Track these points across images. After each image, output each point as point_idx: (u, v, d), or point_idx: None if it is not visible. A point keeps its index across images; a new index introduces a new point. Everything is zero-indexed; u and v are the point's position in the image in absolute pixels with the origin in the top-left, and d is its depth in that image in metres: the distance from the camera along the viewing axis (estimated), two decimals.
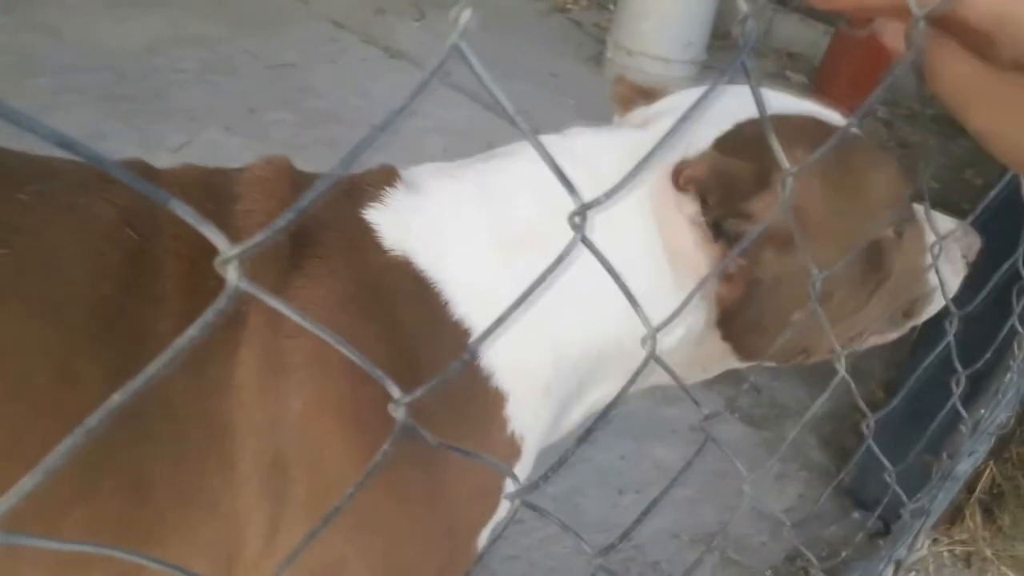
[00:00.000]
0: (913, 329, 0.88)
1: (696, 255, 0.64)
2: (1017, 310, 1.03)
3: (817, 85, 3.47)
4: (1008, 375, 1.26)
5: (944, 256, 0.74)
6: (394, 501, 0.58)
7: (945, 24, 0.41)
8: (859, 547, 1.34)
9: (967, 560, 1.56)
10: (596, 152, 0.68)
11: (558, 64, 3.43)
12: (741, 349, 0.72)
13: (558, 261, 0.37)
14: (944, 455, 1.20)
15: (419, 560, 0.60)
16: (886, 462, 0.87)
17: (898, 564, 1.36)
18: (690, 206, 0.63)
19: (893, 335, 0.83)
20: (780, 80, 3.71)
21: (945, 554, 1.54)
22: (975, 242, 0.80)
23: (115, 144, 2.05)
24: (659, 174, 0.65)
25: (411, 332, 0.59)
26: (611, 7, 3.81)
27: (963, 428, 1.07)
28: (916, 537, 1.34)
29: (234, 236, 0.53)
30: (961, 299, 0.82)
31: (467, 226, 0.63)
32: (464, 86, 2.87)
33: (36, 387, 0.48)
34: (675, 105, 0.74)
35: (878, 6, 0.48)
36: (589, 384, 0.69)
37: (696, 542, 1.47)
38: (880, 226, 0.69)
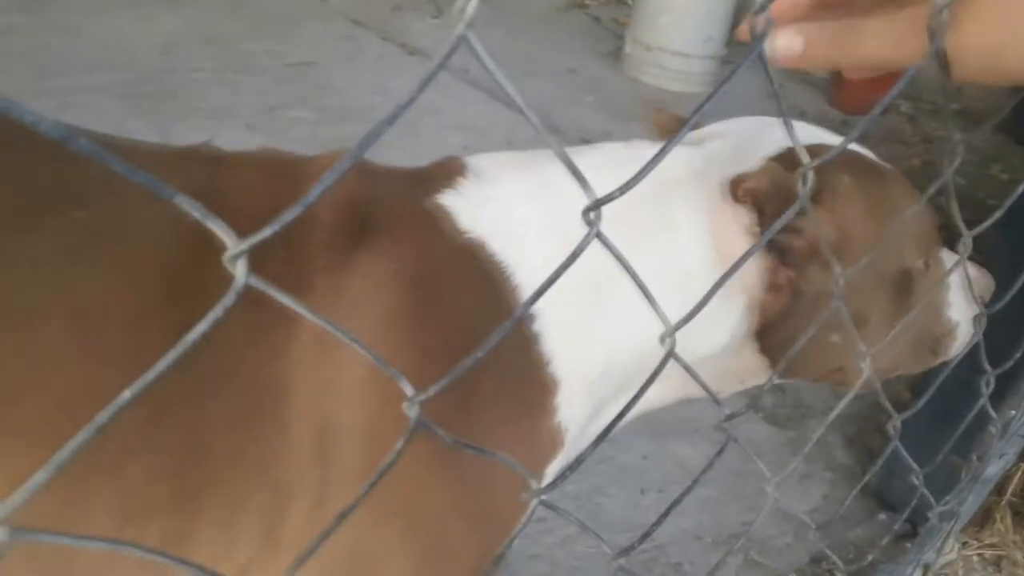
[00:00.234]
0: None
1: (748, 264, 0.64)
2: None
3: (836, 79, 3.42)
4: None
5: (962, 296, 0.78)
6: (443, 484, 0.58)
7: None
8: (886, 550, 1.31)
9: (997, 564, 1.52)
10: (667, 163, 0.69)
11: (576, 60, 3.41)
12: (777, 365, 0.73)
13: (573, 257, 0.36)
14: (973, 457, 1.18)
15: (461, 544, 0.61)
16: (913, 464, 0.85)
17: (926, 568, 1.33)
18: (747, 217, 0.65)
19: (918, 370, 0.86)
20: (798, 75, 3.67)
21: (975, 558, 1.51)
22: (990, 285, 0.82)
23: None
24: (717, 186, 0.67)
25: (478, 313, 0.60)
26: (630, 2, 3.78)
27: (992, 429, 1.05)
28: (945, 540, 1.32)
29: (312, 218, 0.57)
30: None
31: (537, 216, 0.64)
32: (483, 83, 2.87)
33: (106, 343, 0.50)
34: (729, 128, 0.76)
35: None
36: (627, 389, 0.70)
37: (719, 543, 1.45)
38: (912, 258, 0.73)
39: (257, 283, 0.27)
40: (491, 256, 0.62)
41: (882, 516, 1.59)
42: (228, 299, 0.26)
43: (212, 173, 0.58)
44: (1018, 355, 1.02)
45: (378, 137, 0.26)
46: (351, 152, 0.26)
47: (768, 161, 0.68)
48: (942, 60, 0.43)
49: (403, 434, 0.57)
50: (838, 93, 3.46)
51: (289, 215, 0.26)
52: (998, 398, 0.98)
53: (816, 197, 0.63)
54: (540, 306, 0.62)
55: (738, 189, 0.65)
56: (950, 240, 0.78)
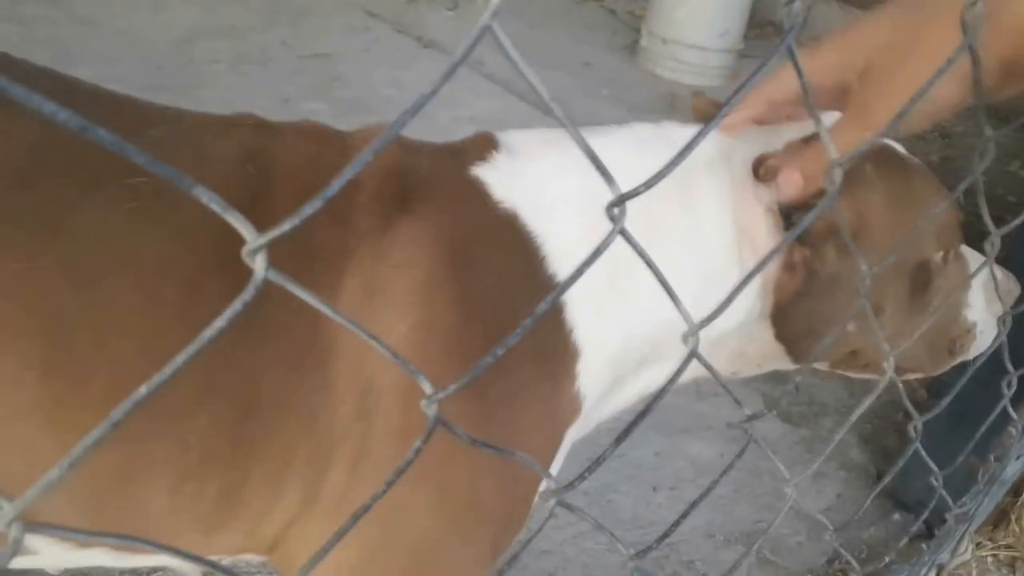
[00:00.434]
0: None
1: (767, 241, 0.68)
2: None
3: None
4: None
5: (985, 299, 0.79)
6: (479, 436, 0.60)
7: None
8: (900, 550, 1.30)
9: (1011, 565, 1.51)
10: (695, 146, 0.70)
11: (592, 53, 3.39)
12: (794, 351, 0.75)
13: (596, 253, 0.36)
14: (991, 458, 1.16)
15: (488, 505, 0.63)
16: (933, 465, 0.83)
17: (940, 568, 1.32)
18: (767, 195, 0.67)
19: (935, 371, 0.85)
20: None
21: (989, 559, 1.50)
22: (1015, 289, 0.82)
23: None
24: (740, 164, 0.69)
25: (509, 280, 0.63)
26: None
27: (1013, 431, 1.03)
28: (960, 541, 1.30)
29: (355, 184, 0.59)
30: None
31: (569, 191, 0.67)
32: (498, 76, 2.85)
33: (166, 300, 0.53)
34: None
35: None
36: (646, 364, 0.72)
37: (731, 541, 1.44)
38: (931, 251, 0.73)
39: (276, 277, 0.26)
40: (522, 227, 0.64)
41: (896, 516, 1.57)
42: (247, 294, 0.26)
43: (260, 140, 0.60)
44: None
45: (402, 128, 0.25)
46: (375, 143, 0.25)
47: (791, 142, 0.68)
48: (975, 56, 0.42)
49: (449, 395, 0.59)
50: None
51: (309, 208, 0.26)
52: (1017, 399, 0.97)
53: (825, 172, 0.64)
54: (563, 276, 0.64)
55: (760, 167, 0.67)
56: (973, 237, 0.77)
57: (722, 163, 0.70)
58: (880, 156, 0.70)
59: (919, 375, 0.84)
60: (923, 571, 1.25)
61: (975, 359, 0.84)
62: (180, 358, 0.26)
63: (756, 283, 0.70)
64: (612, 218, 0.34)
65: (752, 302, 0.71)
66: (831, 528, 0.73)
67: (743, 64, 3.36)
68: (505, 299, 0.62)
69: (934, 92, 0.54)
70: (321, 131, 0.66)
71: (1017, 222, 0.65)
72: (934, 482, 0.88)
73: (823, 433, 1.72)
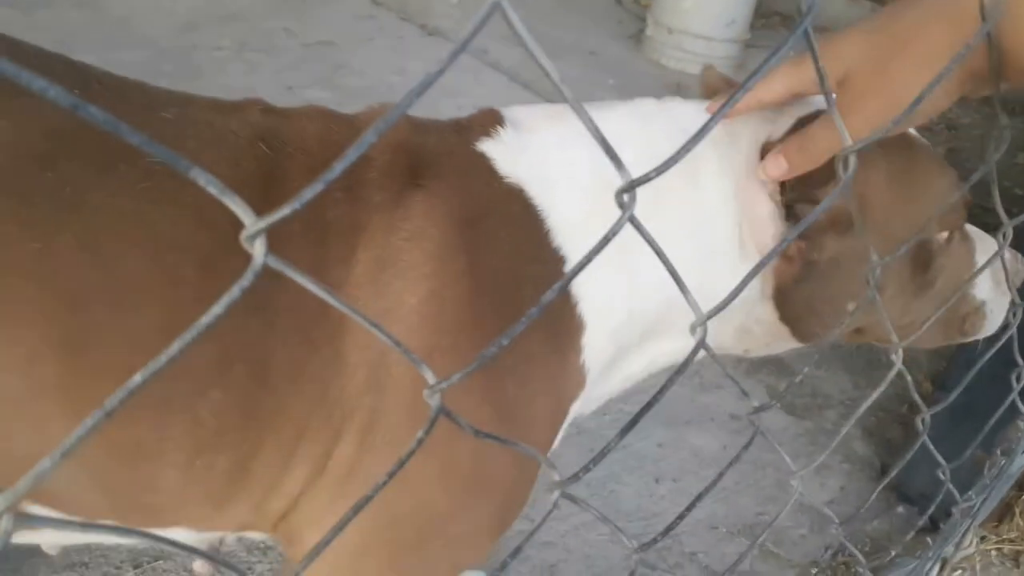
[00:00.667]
0: None
1: (768, 225, 0.68)
2: None
3: None
4: None
5: (993, 280, 0.79)
6: (487, 408, 0.61)
7: None
8: (903, 543, 1.29)
9: (1015, 559, 1.50)
10: (696, 122, 0.70)
11: (597, 42, 3.37)
12: (797, 331, 0.75)
13: (605, 240, 0.35)
14: (997, 452, 1.15)
15: (494, 478, 0.64)
16: (940, 459, 0.83)
17: (944, 562, 1.31)
18: (771, 183, 0.68)
19: (944, 344, 0.86)
20: None
21: (992, 552, 1.49)
22: (1022, 269, 0.82)
23: None
24: (746, 147, 0.69)
25: (517, 252, 0.64)
26: None
27: (1021, 424, 1.02)
28: (964, 535, 1.30)
29: (366, 159, 0.59)
30: (1021, 291, 0.79)
31: (573, 165, 0.67)
32: (502, 64, 2.84)
33: (182, 278, 0.53)
34: None
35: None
36: (649, 339, 0.73)
37: (734, 534, 1.44)
38: (932, 231, 0.73)
39: (276, 263, 0.26)
40: (528, 200, 0.65)
41: (900, 509, 1.57)
42: (245, 280, 0.25)
43: (270, 121, 0.61)
44: None
45: (407, 109, 0.24)
46: (378, 124, 0.24)
47: (797, 120, 0.69)
48: (994, 43, 0.41)
49: (451, 363, 0.59)
50: None
51: (309, 192, 0.25)
52: (1022, 392, 0.96)
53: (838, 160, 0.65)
54: (571, 250, 0.65)
55: (766, 155, 0.67)
56: (988, 227, 0.77)
57: (728, 144, 0.70)
58: (884, 140, 0.69)
59: (928, 346, 0.84)
60: (927, 565, 1.25)
61: (984, 352, 0.83)
62: (176, 345, 0.26)
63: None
64: (621, 204, 0.33)
65: (754, 283, 0.71)
66: (837, 521, 0.72)
67: (749, 54, 3.34)
68: (513, 271, 0.63)
69: (937, 90, 0.55)
70: (328, 113, 0.66)
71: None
72: (941, 476, 0.87)
73: (827, 425, 1.71)
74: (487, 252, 0.62)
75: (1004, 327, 0.79)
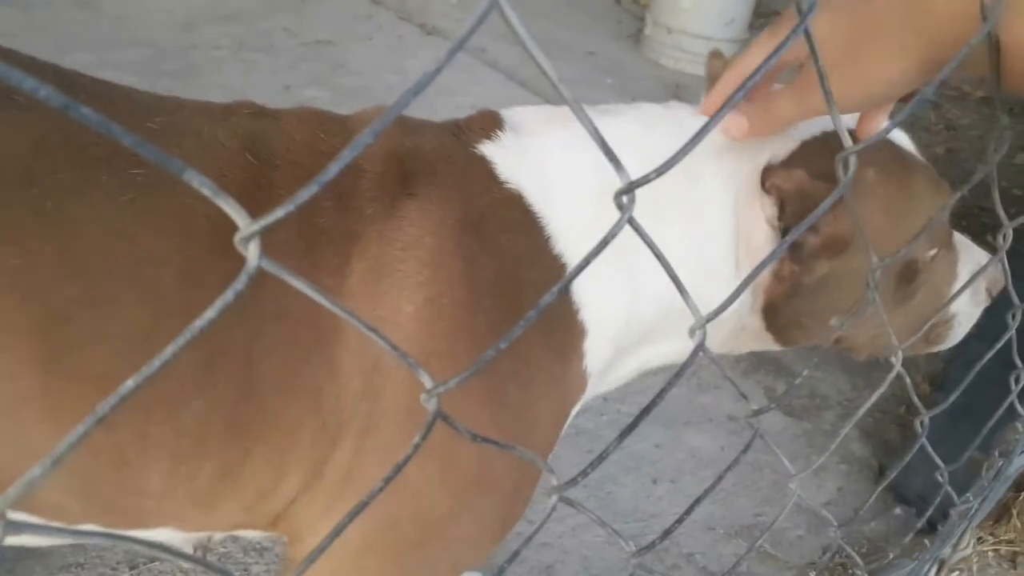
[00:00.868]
0: None
1: (763, 249, 0.68)
2: None
3: None
4: None
5: (971, 290, 0.79)
6: (489, 412, 0.61)
7: None
8: (901, 545, 1.29)
9: (1012, 560, 1.50)
10: (698, 126, 0.70)
11: (596, 42, 3.37)
12: (781, 339, 0.77)
13: (603, 243, 0.35)
14: (995, 453, 1.15)
15: (496, 479, 0.64)
16: (939, 461, 0.82)
17: (942, 563, 1.31)
18: (770, 208, 0.68)
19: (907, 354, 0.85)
20: None
21: (990, 553, 1.49)
22: (1000, 279, 0.82)
23: None
24: (750, 167, 0.69)
25: (516, 258, 0.63)
26: None
27: (1019, 425, 1.02)
28: (962, 536, 1.30)
29: (358, 169, 0.59)
30: (1020, 292, 0.78)
31: (574, 170, 0.66)
32: (500, 64, 2.83)
33: (164, 290, 0.52)
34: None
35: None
36: (646, 341, 0.73)
37: (731, 535, 1.43)
38: (921, 250, 0.73)
39: (270, 266, 0.25)
40: (528, 205, 0.64)
41: (897, 510, 1.56)
42: (239, 283, 0.25)
43: (259, 126, 0.60)
44: None
45: (406, 106, 0.24)
46: (374, 125, 0.24)
47: (802, 144, 0.69)
48: (993, 42, 0.41)
49: (449, 370, 0.59)
50: None
51: (305, 193, 0.25)
52: (1021, 393, 0.95)
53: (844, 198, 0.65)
54: (572, 257, 0.65)
55: (766, 181, 0.67)
56: (978, 229, 0.77)
57: (731, 157, 0.70)
58: (884, 158, 0.70)
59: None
60: (925, 566, 1.25)
61: (983, 354, 0.83)
62: (170, 349, 0.25)
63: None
64: (620, 206, 0.33)
65: (745, 297, 0.72)
66: (835, 523, 0.72)
67: None
68: (513, 277, 0.62)
69: (891, 74, 0.58)
70: (320, 116, 0.65)
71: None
72: (939, 477, 0.87)
73: (825, 426, 1.71)
74: (486, 258, 0.61)
75: (1003, 329, 0.79)
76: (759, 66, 0.34)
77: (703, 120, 0.72)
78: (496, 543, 0.69)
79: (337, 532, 0.31)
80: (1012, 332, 0.78)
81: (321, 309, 0.56)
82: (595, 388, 0.74)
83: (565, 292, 0.64)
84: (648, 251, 0.42)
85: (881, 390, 0.62)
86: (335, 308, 0.29)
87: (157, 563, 1.15)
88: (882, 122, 0.72)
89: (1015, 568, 1.49)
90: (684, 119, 0.71)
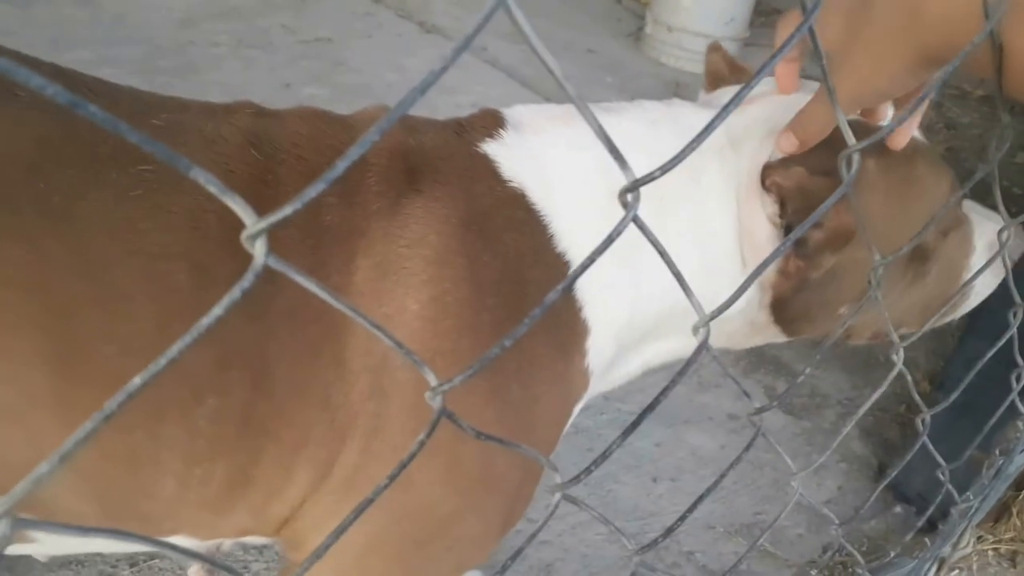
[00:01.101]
0: (960, 320, 0.87)
1: (766, 247, 0.68)
2: None
3: None
4: None
5: (987, 256, 0.78)
6: (492, 410, 0.61)
7: None
8: (901, 543, 1.29)
9: (1012, 559, 1.50)
10: (700, 123, 0.69)
11: (596, 40, 3.37)
12: (788, 331, 0.77)
13: (609, 241, 0.35)
14: (996, 452, 1.15)
15: (499, 477, 0.64)
16: (940, 459, 0.83)
17: (942, 561, 1.31)
18: (771, 206, 0.68)
19: (919, 328, 0.85)
20: None
21: (990, 552, 1.49)
22: (1020, 245, 0.81)
23: None
24: (750, 165, 0.69)
25: (519, 256, 0.63)
26: None
27: (1020, 424, 1.02)
28: (962, 535, 1.30)
29: (363, 165, 0.59)
30: (1020, 289, 0.78)
31: (577, 169, 0.67)
32: (501, 62, 2.83)
33: (173, 286, 0.52)
34: (769, 89, 0.76)
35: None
36: (650, 338, 0.73)
37: (731, 533, 1.44)
38: (928, 235, 0.72)
39: (276, 264, 0.25)
40: (531, 204, 0.65)
41: (897, 509, 1.57)
42: (246, 281, 0.25)
43: (263, 124, 0.60)
44: None
45: (409, 107, 0.24)
46: (380, 123, 0.24)
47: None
48: (996, 41, 0.41)
49: (453, 367, 0.59)
50: None
51: (312, 191, 0.25)
52: (1021, 391, 0.95)
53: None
54: (575, 255, 0.65)
55: (766, 179, 0.67)
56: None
57: (733, 154, 0.70)
58: (883, 148, 0.70)
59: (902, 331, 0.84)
60: (925, 565, 1.25)
61: (984, 352, 0.83)
62: (177, 346, 0.25)
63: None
64: (625, 204, 0.33)
65: (750, 295, 0.73)
66: (836, 522, 0.72)
67: (749, 52, 3.34)
68: (517, 276, 0.62)
69: (882, 74, 0.59)
70: (321, 114, 0.65)
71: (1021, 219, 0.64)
72: (940, 476, 0.87)
73: (825, 425, 1.71)
74: (489, 256, 0.61)
75: (1005, 327, 0.79)
76: (759, 70, 0.34)
77: (705, 118, 0.72)
78: (498, 540, 0.69)
79: (343, 528, 0.32)
80: (1013, 331, 0.78)
81: (330, 306, 0.56)
82: (599, 386, 0.74)
83: (568, 291, 0.63)
84: (651, 248, 0.42)
85: (883, 388, 0.62)
86: (342, 307, 0.29)
87: (157, 560, 1.15)
88: (882, 118, 0.72)
89: (1015, 567, 1.50)
90: (686, 116, 0.71)
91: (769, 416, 1.69)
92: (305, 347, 0.56)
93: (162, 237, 0.52)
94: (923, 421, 0.74)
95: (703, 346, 0.41)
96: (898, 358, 0.64)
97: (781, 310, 0.73)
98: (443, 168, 0.63)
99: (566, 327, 0.65)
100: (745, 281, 0.45)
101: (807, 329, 0.75)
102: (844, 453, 1.67)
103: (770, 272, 0.71)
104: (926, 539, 1.21)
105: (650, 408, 0.41)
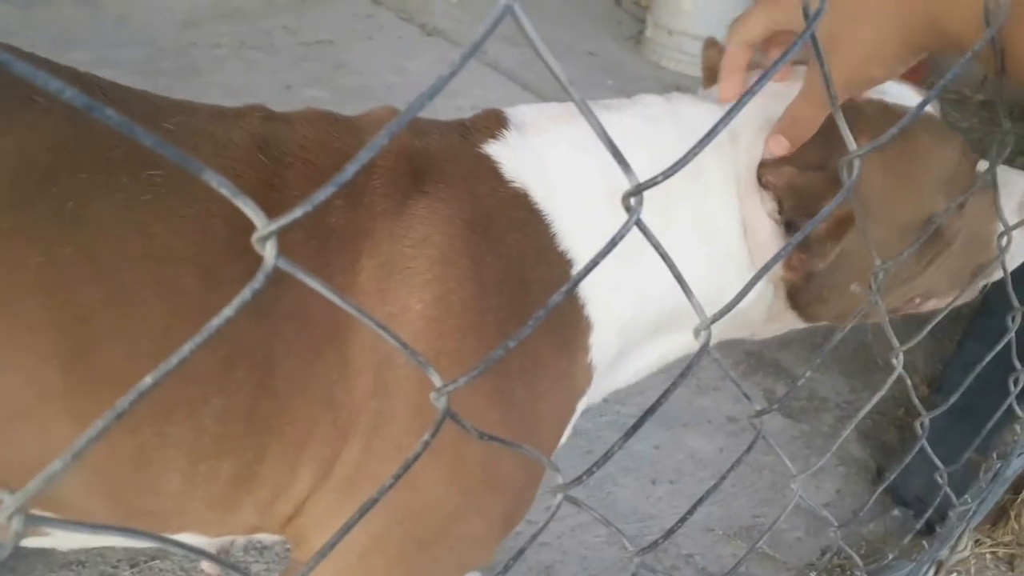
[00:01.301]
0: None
1: (768, 242, 0.68)
2: None
3: None
4: None
5: (1018, 216, 0.76)
6: (496, 409, 0.62)
7: None
8: (899, 546, 1.30)
9: (1010, 562, 1.51)
10: (701, 118, 0.72)
11: (596, 43, 3.37)
12: (806, 316, 0.77)
13: (612, 244, 0.35)
14: (993, 455, 1.16)
15: (503, 477, 0.65)
16: (939, 463, 0.83)
17: (939, 565, 1.32)
18: (769, 202, 0.68)
19: (960, 299, 0.83)
20: None
21: (988, 556, 1.50)
22: None
23: None
24: (747, 160, 0.69)
25: (522, 256, 0.64)
26: None
27: (1018, 428, 1.03)
28: (960, 538, 1.30)
29: (368, 167, 0.59)
30: (1019, 294, 0.79)
31: (578, 168, 0.67)
32: (502, 65, 2.84)
33: (183, 289, 0.53)
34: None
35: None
36: (661, 332, 0.73)
37: (730, 536, 1.44)
38: (939, 205, 0.71)
39: (286, 265, 0.26)
40: (533, 203, 0.65)
41: (896, 512, 1.57)
42: (256, 282, 0.25)
43: (270, 127, 0.61)
44: None
45: (418, 111, 0.24)
46: (390, 127, 0.24)
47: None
48: (997, 47, 0.41)
49: (457, 367, 0.60)
50: None
51: (321, 194, 0.25)
52: (1020, 395, 0.96)
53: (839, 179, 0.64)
54: (577, 253, 0.65)
55: (761, 177, 0.68)
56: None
57: (729, 144, 0.70)
58: (878, 120, 0.69)
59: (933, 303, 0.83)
60: (923, 568, 1.25)
61: (982, 356, 0.83)
62: (188, 347, 0.26)
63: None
64: (628, 208, 0.33)
65: (761, 290, 0.73)
66: (835, 524, 0.72)
67: None
68: (520, 275, 0.63)
69: (869, 60, 0.60)
70: (328, 117, 0.66)
71: None
72: (938, 479, 0.88)
73: (823, 428, 1.71)
74: (493, 256, 0.62)
75: (1003, 331, 0.79)
76: (765, 72, 0.34)
77: (706, 112, 0.72)
78: (501, 540, 0.69)
79: (347, 528, 0.32)
80: (1011, 334, 0.79)
81: (334, 305, 0.57)
82: (608, 381, 0.74)
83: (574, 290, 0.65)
84: (652, 257, 0.43)
85: (882, 392, 0.63)
86: (349, 307, 0.29)
87: (157, 561, 1.16)
88: (866, 92, 0.73)
89: (1013, 570, 1.50)
90: (686, 111, 0.72)
91: (768, 419, 1.69)
92: (309, 346, 0.56)
93: (171, 240, 0.53)
94: (922, 424, 0.74)
95: (704, 349, 0.41)
96: (898, 362, 0.64)
97: (794, 298, 0.74)
98: (448, 170, 0.64)
99: (569, 325, 0.66)
100: (745, 286, 0.46)
101: (823, 312, 0.75)
102: (843, 456, 1.67)
103: (776, 267, 0.71)
104: (924, 542, 1.22)
105: (651, 410, 0.42)
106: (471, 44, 0.25)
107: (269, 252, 0.25)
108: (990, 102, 3.22)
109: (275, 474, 0.58)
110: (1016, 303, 0.76)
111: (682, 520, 0.49)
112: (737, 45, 0.71)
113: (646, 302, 0.69)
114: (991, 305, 1.58)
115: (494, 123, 0.69)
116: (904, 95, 0.73)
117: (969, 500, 1.08)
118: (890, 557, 1.18)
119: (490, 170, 0.66)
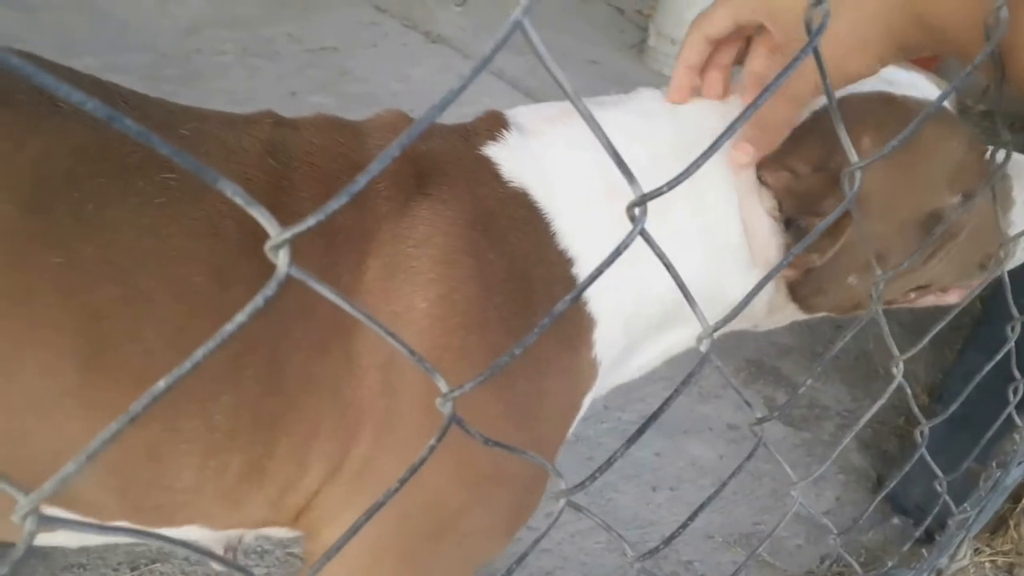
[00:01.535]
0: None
1: (771, 241, 0.69)
2: None
3: None
4: None
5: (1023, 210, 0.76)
6: (496, 415, 0.62)
7: None
8: (899, 554, 1.30)
9: (1009, 571, 1.51)
10: (698, 113, 0.73)
11: (598, 52, 3.39)
12: (806, 308, 0.77)
13: (616, 252, 0.36)
14: (993, 464, 1.16)
15: (510, 472, 0.65)
16: (938, 471, 0.83)
17: (939, 573, 1.32)
18: (769, 201, 0.69)
19: (965, 290, 0.82)
20: None
21: (987, 565, 1.50)
22: None
23: None
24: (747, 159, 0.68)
25: (523, 255, 0.65)
26: None
27: (1017, 437, 1.03)
28: (959, 547, 1.30)
29: (369, 161, 0.61)
30: (1019, 304, 0.79)
31: (577, 167, 0.68)
32: (506, 74, 2.85)
33: (197, 290, 0.54)
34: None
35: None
36: (664, 327, 0.74)
37: (730, 543, 1.44)
38: (943, 199, 0.70)
39: (298, 273, 0.26)
40: (533, 204, 0.66)
41: (895, 520, 1.57)
42: (269, 289, 0.26)
43: (280, 133, 0.62)
44: None
45: (430, 122, 0.25)
46: (401, 139, 0.25)
47: (793, 129, 0.69)
48: (997, 60, 0.42)
49: (461, 364, 0.60)
50: None
51: (334, 204, 0.26)
52: (1021, 405, 0.96)
53: (838, 179, 0.61)
54: (577, 252, 0.66)
55: (760, 176, 0.69)
56: None
57: (728, 145, 0.70)
58: (881, 117, 0.68)
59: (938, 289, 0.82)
60: None
61: (982, 366, 0.83)
62: (200, 351, 0.26)
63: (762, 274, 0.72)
64: (632, 219, 0.34)
65: (767, 287, 0.73)
66: (835, 532, 0.73)
67: None
68: (521, 273, 0.64)
69: (848, 67, 0.61)
70: (335, 122, 0.67)
71: None
72: (938, 487, 0.88)
73: (824, 436, 1.72)
74: (494, 255, 0.63)
75: (1003, 341, 0.79)
76: (767, 87, 0.35)
77: (703, 107, 0.73)
78: (510, 537, 0.70)
79: (354, 531, 0.32)
80: (1011, 344, 0.79)
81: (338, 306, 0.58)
82: (614, 377, 0.75)
83: (574, 287, 0.65)
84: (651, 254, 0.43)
85: (882, 401, 0.63)
86: (358, 313, 0.30)
87: (159, 564, 1.16)
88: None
89: None
90: (683, 106, 0.73)
91: (769, 427, 1.69)
92: (316, 344, 0.58)
93: (184, 242, 0.54)
94: (921, 433, 0.75)
95: (706, 358, 0.42)
96: (898, 371, 0.65)
97: (795, 291, 0.74)
98: (450, 172, 0.65)
99: (572, 321, 0.67)
100: (746, 297, 0.46)
101: (823, 303, 0.76)
102: (843, 464, 1.67)
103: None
104: (923, 550, 1.22)
105: (653, 417, 0.42)
106: (481, 59, 0.26)
107: (282, 260, 0.26)
108: (991, 112, 3.23)
109: (284, 468, 0.59)
110: (1016, 313, 0.76)
111: (682, 527, 0.49)
112: (697, 40, 0.71)
113: (648, 299, 0.70)
114: (992, 315, 1.58)
115: (495, 125, 0.70)
116: (916, 84, 0.71)
117: (968, 509, 1.09)
118: (889, 565, 1.18)
119: (490, 171, 0.67)
